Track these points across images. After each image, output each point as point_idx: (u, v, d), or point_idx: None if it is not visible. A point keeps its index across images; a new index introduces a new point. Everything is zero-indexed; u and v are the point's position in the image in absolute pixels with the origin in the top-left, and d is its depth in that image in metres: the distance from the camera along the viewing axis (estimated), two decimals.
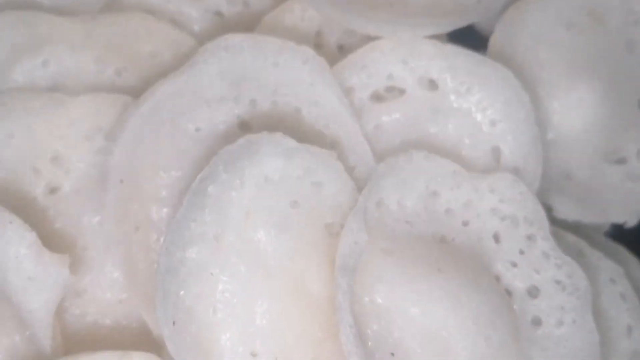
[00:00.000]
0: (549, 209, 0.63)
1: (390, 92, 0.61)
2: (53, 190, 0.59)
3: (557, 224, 0.64)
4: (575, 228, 0.65)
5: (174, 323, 0.51)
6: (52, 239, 0.57)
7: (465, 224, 0.57)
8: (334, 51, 0.64)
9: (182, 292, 0.51)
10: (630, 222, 0.64)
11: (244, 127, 0.59)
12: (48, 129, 0.59)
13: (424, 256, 0.54)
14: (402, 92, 0.60)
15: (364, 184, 0.57)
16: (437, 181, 0.56)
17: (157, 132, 0.57)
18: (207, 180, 0.52)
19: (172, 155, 0.58)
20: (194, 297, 0.51)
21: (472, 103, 0.60)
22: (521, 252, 0.57)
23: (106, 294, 0.59)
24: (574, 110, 0.64)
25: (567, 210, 0.64)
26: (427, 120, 0.60)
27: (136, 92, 0.60)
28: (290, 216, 0.54)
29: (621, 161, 0.65)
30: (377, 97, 0.61)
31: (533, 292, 0.57)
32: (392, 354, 0.52)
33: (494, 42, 0.64)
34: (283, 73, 0.58)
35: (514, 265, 0.57)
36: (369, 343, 0.52)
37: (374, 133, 0.60)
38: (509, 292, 0.57)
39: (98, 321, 0.59)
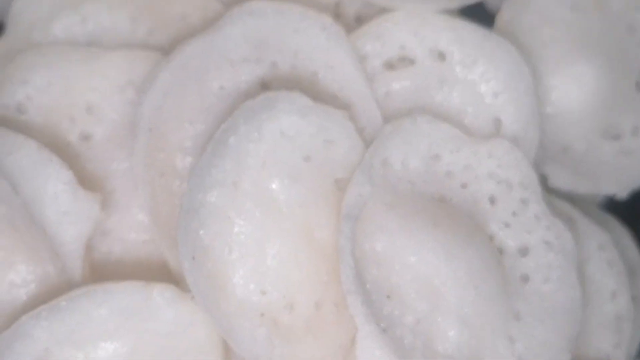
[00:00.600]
0: (545, 178, 0.68)
1: (402, 62, 0.65)
2: (86, 137, 0.64)
3: (552, 192, 0.68)
4: (570, 198, 0.69)
5: (193, 258, 0.55)
6: (83, 182, 0.61)
7: (463, 186, 0.61)
8: (352, 21, 0.68)
9: (201, 232, 0.55)
10: (621, 195, 0.68)
11: (265, 87, 0.63)
12: (84, 80, 0.63)
13: (423, 212, 0.59)
14: (412, 61, 0.64)
15: None
16: (439, 144, 0.61)
17: (184, 88, 0.62)
18: (229, 132, 0.56)
19: (197, 110, 0.62)
20: (212, 236, 0.56)
21: (477, 75, 0.64)
22: (514, 214, 0.61)
23: (131, 234, 0.64)
24: (573, 87, 0.67)
25: (562, 180, 0.68)
26: (434, 89, 0.64)
27: (166, 50, 0.64)
28: (302, 169, 0.59)
29: (616, 137, 0.69)
30: (389, 66, 0.64)
31: (523, 251, 0.61)
32: (388, 297, 0.57)
33: (500, 18, 0.67)
34: (302, 38, 0.62)
35: (507, 225, 0.61)
36: (367, 285, 0.57)
37: (384, 98, 0.64)
38: (501, 251, 0.61)
39: (122, 259, 0.64)
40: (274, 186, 0.58)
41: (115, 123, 0.64)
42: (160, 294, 0.56)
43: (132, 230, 0.64)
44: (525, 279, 0.61)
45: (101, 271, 0.63)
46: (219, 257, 0.56)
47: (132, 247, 0.64)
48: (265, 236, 0.57)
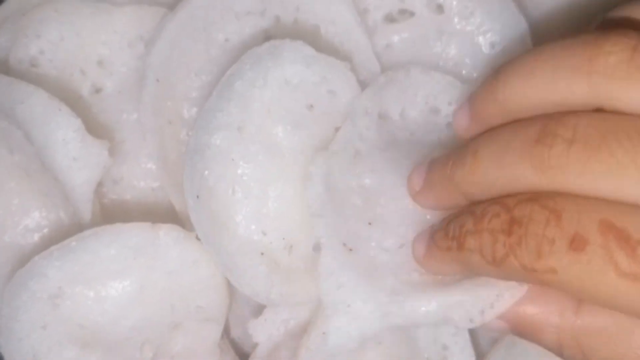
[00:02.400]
0: None
1: (402, 14, 0.66)
2: (98, 90, 0.66)
3: None
4: None
5: (197, 197, 0.57)
6: (95, 132, 0.63)
7: None
8: None
9: (206, 172, 0.57)
10: None
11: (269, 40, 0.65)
12: (95, 35, 0.66)
13: (418, 151, 0.61)
14: (412, 14, 0.66)
15: None
16: (436, 96, 0.62)
17: (191, 39, 0.63)
18: (235, 77, 0.58)
19: (203, 61, 0.64)
20: (216, 177, 0.58)
21: (474, 26, 0.65)
22: None
23: (140, 183, 0.66)
24: None
25: None
26: (432, 41, 0.66)
27: (174, 7, 0.66)
28: (305, 116, 0.60)
29: None
30: (390, 19, 0.66)
31: None
32: (370, 224, 0.58)
33: None
34: None
35: None
36: (348, 212, 0.59)
37: (385, 51, 0.66)
38: None
39: (133, 206, 0.66)
40: (277, 132, 0.60)
41: (125, 76, 0.66)
42: (166, 233, 0.58)
43: (141, 178, 0.66)
44: None
45: (112, 217, 0.64)
46: (222, 197, 0.58)
47: (142, 195, 0.66)
48: (267, 179, 0.59)
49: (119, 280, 0.59)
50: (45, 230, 0.64)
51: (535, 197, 0.48)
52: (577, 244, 0.45)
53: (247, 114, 0.58)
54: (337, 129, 0.62)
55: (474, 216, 0.49)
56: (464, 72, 0.66)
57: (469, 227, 0.49)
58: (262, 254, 0.58)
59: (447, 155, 0.53)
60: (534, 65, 0.50)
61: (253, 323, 0.61)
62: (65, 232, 0.62)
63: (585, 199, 0.47)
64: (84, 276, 0.58)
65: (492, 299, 0.54)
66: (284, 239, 0.59)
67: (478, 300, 0.54)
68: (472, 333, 0.64)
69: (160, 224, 0.59)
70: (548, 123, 0.48)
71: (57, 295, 0.58)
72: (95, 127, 0.65)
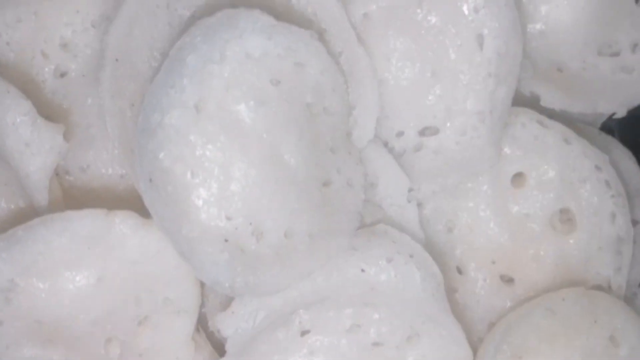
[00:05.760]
0: (537, 98, 0.64)
1: None
2: (62, 74, 0.63)
3: (546, 113, 0.65)
4: (568, 119, 0.66)
5: (150, 180, 0.54)
6: (59, 118, 0.61)
7: None
8: None
9: (161, 154, 0.53)
10: (620, 113, 0.65)
11: None
12: (55, 16, 0.62)
13: None
14: None
15: (350, 69, 0.59)
16: None
17: (154, 16, 0.60)
18: (186, 50, 0.54)
19: (167, 40, 0.60)
20: (172, 159, 0.54)
21: None
22: None
23: (108, 170, 0.63)
24: (563, 1, 0.64)
25: (555, 100, 0.65)
26: (412, 8, 0.61)
27: None
28: (270, 92, 0.56)
29: (614, 54, 0.65)
30: None
31: None
32: None
33: None
34: None
35: None
36: None
37: (362, 21, 0.62)
38: None
39: (101, 195, 0.63)
40: (239, 109, 0.55)
41: (89, 59, 0.63)
42: (122, 221, 0.55)
43: (109, 165, 0.63)
44: None
45: (80, 207, 0.61)
46: (180, 181, 0.54)
47: (110, 182, 0.63)
48: (230, 160, 0.55)
49: (74, 271, 0.56)
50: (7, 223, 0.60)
51: None
52: None
53: (205, 91, 0.54)
54: (308, 105, 0.57)
55: None
56: (447, 40, 0.61)
57: None
58: (226, 240, 0.55)
59: None
60: None
61: (220, 316, 0.58)
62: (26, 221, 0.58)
63: None
64: (36, 267, 0.55)
65: None
66: (250, 224, 0.55)
67: None
68: (469, 319, 0.61)
69: (115, 211, 0.55)
70: None
71: (9, 289, 0.56)
72: (59, 114, 0.62)
